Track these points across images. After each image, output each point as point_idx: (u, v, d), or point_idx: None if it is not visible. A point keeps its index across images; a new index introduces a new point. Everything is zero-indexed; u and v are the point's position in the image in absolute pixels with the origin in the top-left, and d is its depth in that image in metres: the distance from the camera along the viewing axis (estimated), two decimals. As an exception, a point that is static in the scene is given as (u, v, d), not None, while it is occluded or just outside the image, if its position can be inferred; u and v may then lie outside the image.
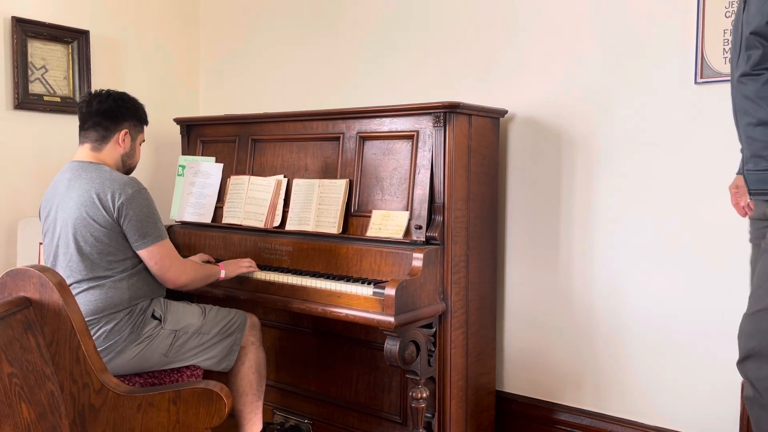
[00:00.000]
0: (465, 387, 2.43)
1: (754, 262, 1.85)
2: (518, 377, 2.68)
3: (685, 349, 2.28)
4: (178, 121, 3.07)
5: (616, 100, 2.38)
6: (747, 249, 1.93)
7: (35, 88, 2.91)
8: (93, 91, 2.24)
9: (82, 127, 2.17)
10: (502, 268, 2.68)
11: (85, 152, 2.15)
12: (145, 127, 2.31)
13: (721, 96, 2.13)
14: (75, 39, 3.03)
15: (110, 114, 2.15)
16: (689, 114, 2.22)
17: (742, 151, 1.76)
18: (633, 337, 2.39)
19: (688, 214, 2.26)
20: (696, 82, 2.17)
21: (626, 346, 2.40)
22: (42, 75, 2.94)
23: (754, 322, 1.67)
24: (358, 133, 2.49)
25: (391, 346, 2.11)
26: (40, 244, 2.24)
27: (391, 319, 2.06)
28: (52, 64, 2.97)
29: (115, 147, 2.17)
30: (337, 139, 2.56)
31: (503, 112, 2.55)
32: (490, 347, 2.58)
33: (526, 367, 2.65)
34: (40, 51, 2.92)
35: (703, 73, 2.15)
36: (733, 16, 2.10)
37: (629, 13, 2.32)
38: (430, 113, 2.29)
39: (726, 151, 2.12)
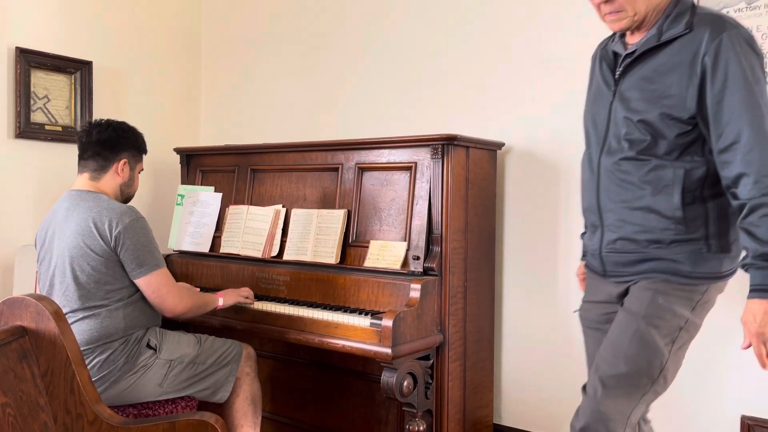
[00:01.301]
0: (462, 420, 2.41)
1: (592, 345, 1.79)
2: (516, 411, 2.65)
3: (679, 385, 2.27)
4: (178, 150, 3.09)
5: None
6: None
7: (37, 117, 2.93)
8: (93, 120, 2.26)
9: (82, 157, 2.19)
10: (500, 300, 2.68)
11: (83, 181, 2.16)
12: (143, 156, 2.32)
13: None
14: (78, 69, 3.07)
15: (109, 144, 2.16)
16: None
17: (591, 231, 1.73)
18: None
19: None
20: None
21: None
22: (44, 104, 2.97)
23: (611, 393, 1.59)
24: (356, 164, 2.52)
25: (388, 378, 2.10)
26: (37, 271, 2.23)
27: (388, 350, 2.05)
28: (54, 94, 3.00)
29: (114, 176, 2.18)
30: (336, 169, 2.58)
31: (500, 145, 2.57)
32: (487, 380, 2.56)
33: (524, 400, 2.63)
34: (43, 81, 2.96)
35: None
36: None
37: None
38: (428, 145, 2.32)
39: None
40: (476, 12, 2.73)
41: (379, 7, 3.02)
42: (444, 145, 2.29)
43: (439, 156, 2.29)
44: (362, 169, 2.50)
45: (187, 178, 3.06)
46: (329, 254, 2.45)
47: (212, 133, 3.67)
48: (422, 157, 2.34)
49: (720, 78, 1.48)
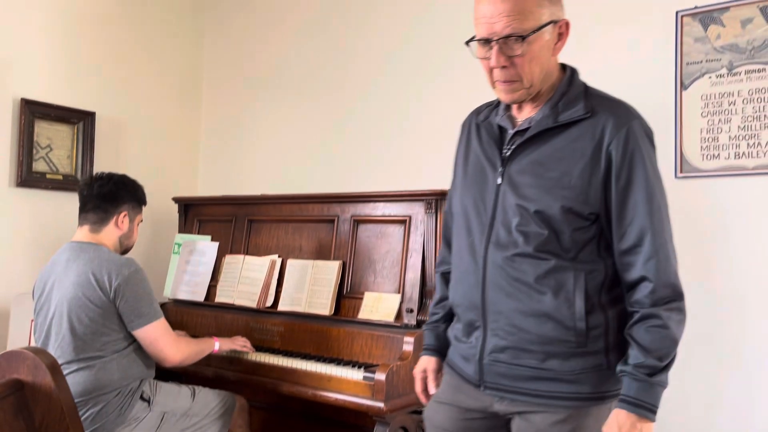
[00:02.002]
0: (455, 475, 2.39)
1: None
2: (509, 465, 2.64)
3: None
4: (176, 200, 3.14)
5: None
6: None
7: (39, 166, 2.99)
8: (94, 174, 2.32)
9: (83, 209, 2.23)
10: (492, 352, 2.69)
11: (83, 233, 2.20)
12: (143, 207, 2.37)
13: (700, 190, 2.23)
14: (81, 120, 3.14)
15: (110, 197, 2.22)
16: (671, 206, 2.31)
17: (465, 332, 1.48)
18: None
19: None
20: (676, 177, 2.28)
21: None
22: (46, 154, 3.03)
23: None
24: (352, 216, 2.57)
25: (381, 432, 2.11)
26: (32, 321, 2.25)
27: (381, 404, 2.06)
28: (57, 144, 3.07)
29: (114, 229, 2.23)
30: (332, 221, 2.63)
31: (493, 199, 2.63)
32: (480, 433, 2.55)
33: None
34: (46, 131, 3.02)
35: (682, 168, 2.26)
36: (708, 116, 2.22)
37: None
38: (422, 200, 2.38)
39: (704, 242, 2.19)
40: (468, 67, 2.82)
41: (375, 62, 3.12)
42: (438, 199, 2.34)
43: (433, 210, 2.35)
44: (358, 222, 2.55)
45: (185, 227, 3.10)
46: (324, 305, 2.48)
47: (210, 183, 3.72)
48: (416, 210, 2.40)
49: (626, 173, 1.34)
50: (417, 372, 1.65)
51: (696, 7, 2.26)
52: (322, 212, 2.66)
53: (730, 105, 2.19)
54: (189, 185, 3.72)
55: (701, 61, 2.24)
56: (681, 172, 2.26)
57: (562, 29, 1.41)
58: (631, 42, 2.39)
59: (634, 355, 1.32)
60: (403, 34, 3.03)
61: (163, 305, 2.93)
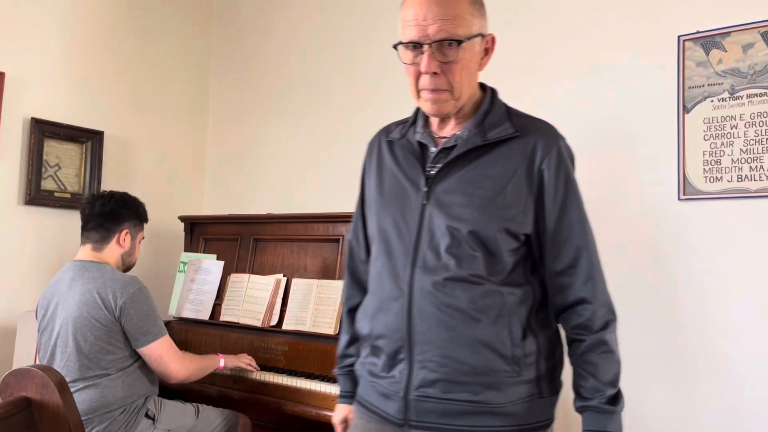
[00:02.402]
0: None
1: None
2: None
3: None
4: (182, 218, 3.17)
5: (605, 212, 2.48)
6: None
7: (47, 184, 3.02)
8: (95, 193, 2.34)
9: (85, 228, 2.26)
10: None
11: (86, 252, 2.22)
12: (144, 224, 2.39)
13: (703, 212, 2.25)
14: (90, 139, 3.18)
15: (112, 215, 2.24)
16: (674, 228, 2.33)
17: (385, 367, 1.34)
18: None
19: (678, 321, 2.31)
20: (679, 199, 2.29)
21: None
22: (55, 172, 3.06)
23: None
24: (357, 236, 2.58)
25: (385, 452, 2.10)
26: (38, 341, 2.27)
27: (386, 424, 2.06)
28: (65, 162, 3.10)
29: (116, 247, 2.25)
30: (337, 240, 2.64)
31: (497, 220, 2.65)
32: (484, 455, 2.55)
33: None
34: (55, 150, 3.06)
35: (685, 190, 2.28)
36: (711, 139, 2.25)
37: (616, 136, 2.48)
38: (427, 220, 2.39)
39: (709, 261, 2.21)
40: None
41: (381, 82, 3.16)
42: (442, 220, 2.36)
43: (438, 231, 2.36)
44: (362, 242, 2.57)
45: (191, 246, 3.12)
46: (328, 324, 2.49)
47: (216, 202, 3.75)
48: (421, 231, 2.41)
49: (560, 192, 1.31)
50: (337, 422, 1.53)
51: (698, 32, 2.29)
52: (327, 231, 2.68)
53: (732, 128, 2.22)
54: (195, 204, 3.75)
55: (703, 85, 2.27)
56: (684, 194, 2.28)
57: (488, 44, 1.36)
58: (634, 66, 2.43)
59: (592, 386, 1.27)
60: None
61: (168, 323, 2.94)
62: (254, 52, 3.67)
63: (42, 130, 2.99)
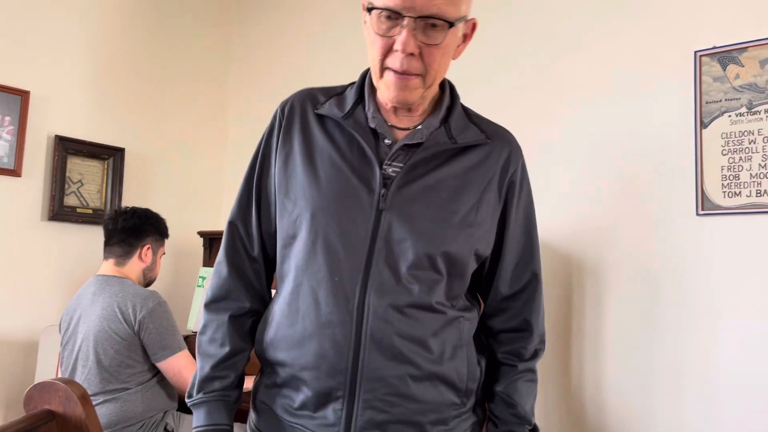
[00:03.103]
0: None
1: None
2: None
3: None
4: (201, 234, 3.20)
5: (623, 228, 2.48)
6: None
7: (70, 200, 3.08)
8: (118, 209, 2.39)
9: (107, 243, 2.30)
10: (514, 389, 2.68)
11: (108, 267, 2.26)
12: (165, 240, 2.43)
13: (721, 228, 2.24)
14: (111, 156, 3.24)
15: (134, 231, 2.28)
16: (692, 244, 2.32)
17: (313, 406, 1.09)
18: (648, 465, 2.35)
19: (697, 339, 2.29)
20: (697, 214, 2.28)
21: (641, 475, 2.36)
22: (77, 188, 3.12)
23: None
24: (374, 251, 2.59)
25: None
26: (60, 353, 2.30)
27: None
28: (87, 179, 3.16)
29: (138, 262, 2.29)
30: (354, 256, 2.65)
31: (514, 235, 2.65)
32: (502, 472, 2.53)
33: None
34: (78, 166, 3.12)
35: (704, 205, 2.27)
36: (729, 154, 2.24)
37: (633, 152, 2.48)
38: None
39: (728, 277, 2.19)
40: (483, 107, 2.87)
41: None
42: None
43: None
44: (379, 257, 2.58)
45: (209, 261, 3.15)
46: (346, 340, 2.49)
47: (234, 216, 3.79)
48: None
49: (523, 211, 1.19)
50: None
51: (714, 47, 2.29)
52: (345, 247, 2.69)
53: (750, 143, 2.21)
54: (214, 219, 3.79)
55: (720, 100, 2.27)
56: (702, 209, 2.27)
57: (468, 30, 1.12)
58: (651, 82, 2.43)
59: (517, 414, 1.17)
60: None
61: (186, 338, 2.96)
62: (270, 71, 3.72)
63: (65, 148, 3.06)
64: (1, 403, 2.73)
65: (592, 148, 2.58)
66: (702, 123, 2.30)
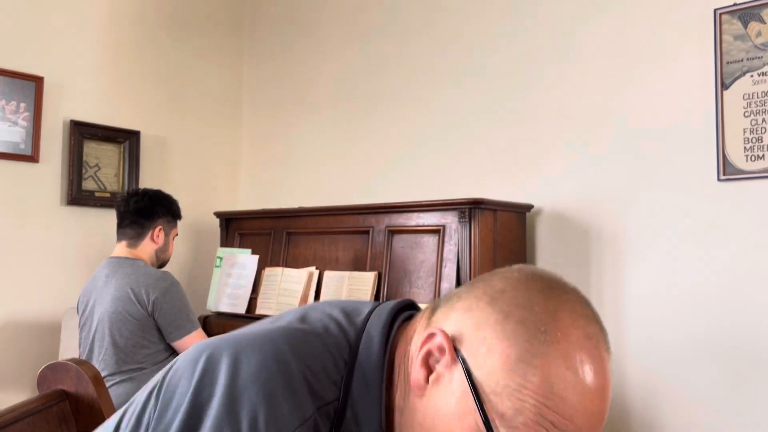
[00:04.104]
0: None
1: None
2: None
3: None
4: (217, 214, 3.22)
5: (641, 195, 2.41)
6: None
7: (88, 184, 3.11)
8: (130, 190, 2.40)
9: (120, 225, 2.31)
10: (533, 362, 2.65)
11: (121, 249, 2.28)
12: (178, 222, 2.43)
13: (744, 193, 2.15)
14: (127, 139, 3.26)
15: (146, 212, 2.29)
16: (714, 209, 2.24)
17: None
18: (670, 437, 2.30)
19: (719, 309, 2.22)
20: (719, 179, 2.20)
21: (663, 448, 2.32)
22: (95, 173, 3.15)
23: None
24: (386, 227, 2.58)
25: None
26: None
27: (417, 415, 2.05)
28: (104, 162, 3.19)
29: (150, 243, 2.30)
30: (367, 232, 2.64)
31: (529, 207, 2.60)
32: (521, 445, 2.51)
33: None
34: (94, 151, 3.15)
35: (725, 170, 2.18)
36: (751, 116, 2.15)
37: (652, 116, 2.40)
38: (455, 209, 2.37)
39: (750, 245, 2.11)
40: (501, 75, 2.81)
41: (409, 75, 3.14)
42: (471, 208, 2.33)
43: (467, 219, 2.33)
44: (392, 232, 2.56)
45: (226, 241, 3.17)
46: (360, 316, 2.49)
47: (251, 198, 3.80)
48: (450, 220, 2.39)
49: None
50: None
51: (735, 4, 2.19)
52: (357, 224, 2.68)
53: (774, 103, 2.11)
54: (230, 200, 3.80)
55: (742, 60, 2.17)
56: (724, 174, 2.19)
57: None
58: (669, 42, 2.33)
59: None
60: (436, 48, 3.03)
61: (206, 318, 3.00)
62: (285, 50, 3.69)
63: (81, 132, 3.08)
64: (28, 383, 2.80)
65: (608, 112, 2.50)
66: (723, 84, 2.20)
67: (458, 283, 2.32)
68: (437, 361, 0.76)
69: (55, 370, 1.72)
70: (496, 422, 0.70)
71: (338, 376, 0.78)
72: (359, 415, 0.78)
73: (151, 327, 2.12)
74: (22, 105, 2.89)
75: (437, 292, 2.36)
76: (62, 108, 3.05)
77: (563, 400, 0.70)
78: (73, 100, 3.09)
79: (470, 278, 2.31)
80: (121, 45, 3.29)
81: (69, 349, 2.74)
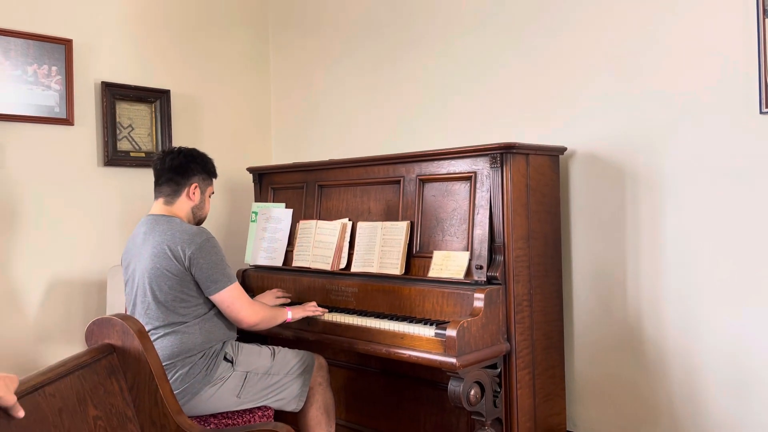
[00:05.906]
0: (533, 428, 2.40)
1: None
2: (590, 417, 2.61)
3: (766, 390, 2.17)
4: (250, 170, 3.24)
5: (679, 132, 2.33)
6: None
7: (122, 145, 3.17)
8: (165, 149, 2.42)
9: (157, 183, 2.35)
10: (570, 307, 2.64)
11: (158, 206, 2.32)
12: (213, 180, 2.46)
13: (790, 125, 2.06)
14: (157, 98, 3.28)
15: (181, 170, 2.31)
16: (756, 144, 2.15)
17: None
18: (709, 376, 2.29)
19: (761, 246, 2.17)
20: (761, 112, 2.11)
21: (702, 387, 2.31)
22: (129, 133, 3.19)
23: None
24: (417, 176, 2.56)
25: (455, 387, 2.13)
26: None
27: (454, 360, 2.08)
28: (137, 123, 3.23)
29: (186, 200, 2.33)
30: (398, 182, 2.63)
31: (562, 150, 2.55)
32: (558, 387, 2.54)
33: (597, 406, 2.59)
34: (127, 111, 3.19)
35: (767, 102, 2.09)
36: (797, 43, 2.03)
37: (689, 46, 2.29)
38: (486, 154, 2.33)
39: (798, 182, 2.04)
40: (530, 18, 2.72)
41: (437, 22, 3.06)
42: (503, 153, 2.29)
43: (498, 165, 2.30)
44: (423, 181, 2.55)
45: (260, 196, 3.21)
46: (394, 265, 2.51)
47: (283, 152, 3.81)
48: (481, 166, 2.36)
49: None
50: None
51: (780, -77, 2.05)
52: (388, 174, 2.67)
53: (822, 29, 2.00)
54: (263, 155, 3.83)
55: (788, -17, 2.04)
56: (767, 106, 2.09)
57: None
58: (708, -31, 2.21)
59: None
60: (463, -15, 2.94)
61: (244, 271, 3.06)
62: (310, 3, 3.63)
63: (113, 93, 3.12)
64: (77, 339, 2.93)
65: (643, 44, 2.41)
66: (765, 11, 2.08)
67: (492, 229, 2.31)
68: None
69: (101, 325, 1.80)
70: None
71: None
72: None
73: (189, 282, 2.17)
74: (54, 68, 2.93)
75: (470, 240, 2.36)
76: (92, 69, 3.08)
77: None
78: (103, 61, 3.12)
79: (504, 224, 2.30)
80: (147, 4, 3.28)
81: (115, 305, 2.84)
